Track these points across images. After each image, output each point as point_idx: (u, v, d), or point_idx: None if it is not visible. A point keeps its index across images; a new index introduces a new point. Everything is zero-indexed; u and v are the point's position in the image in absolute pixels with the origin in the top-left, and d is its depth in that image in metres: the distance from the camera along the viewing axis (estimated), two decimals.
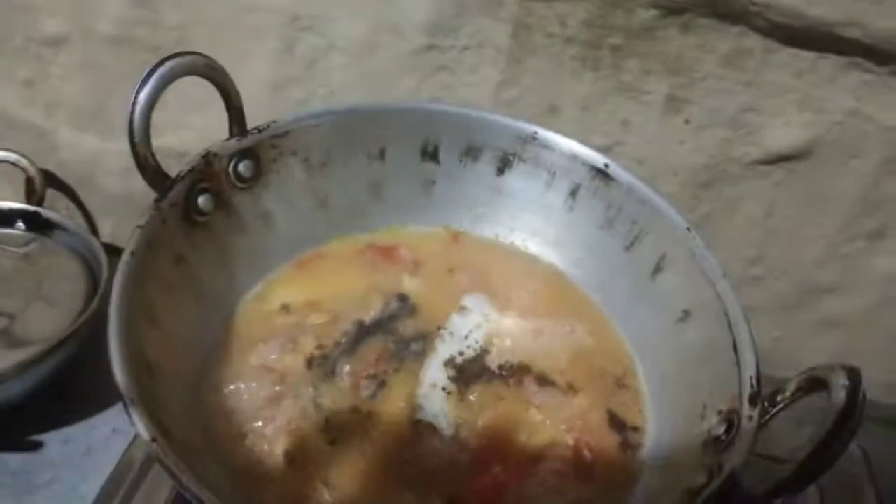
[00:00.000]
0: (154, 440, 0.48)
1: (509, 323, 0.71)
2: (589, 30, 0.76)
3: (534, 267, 0.78)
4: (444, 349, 0.68)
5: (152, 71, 0.60)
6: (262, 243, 0.72)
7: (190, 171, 0.65)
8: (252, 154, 0.70)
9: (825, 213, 0.82)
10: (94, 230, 1.05)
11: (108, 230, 1.06)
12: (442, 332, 0.70)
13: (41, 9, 0.89)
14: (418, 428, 0.63)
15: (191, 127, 0.91)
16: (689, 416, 0.59)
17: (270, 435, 0.61)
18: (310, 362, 0.66)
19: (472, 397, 0.65)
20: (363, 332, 0.69)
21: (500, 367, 0.68)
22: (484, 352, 0.69)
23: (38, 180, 0.95)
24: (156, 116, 0.60)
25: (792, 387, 0.51)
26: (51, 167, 1.01)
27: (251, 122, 0.70)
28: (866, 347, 0.89)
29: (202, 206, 0.66)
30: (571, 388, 0.67)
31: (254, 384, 0.64)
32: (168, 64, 0.60)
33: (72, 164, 1.01)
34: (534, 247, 0.78)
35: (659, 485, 0.59)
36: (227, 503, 0.47)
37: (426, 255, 0.77)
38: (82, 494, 0.75)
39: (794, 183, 0.81)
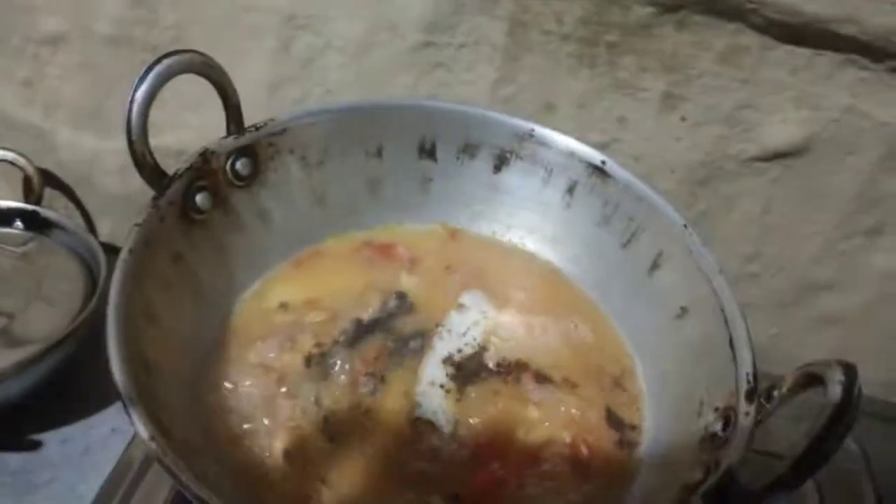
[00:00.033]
0: (153, 439, 0.48)
1: (507, 320, 0.71)
2: (585, 27, 0.76)
3: (531, 264, 0.78)
4: (443, 347, 0.68)
5: (149, 69, 0.60)
6: (260, 241, 0.72)
7: (187, 169, 0.65)
8: (249, 152, 0.70)
9: (822, 210, 0.82)
10: (92, 230, 1.06)
11: (107, 229, 1.06)
12: (440, 329, 0.70)
13: (39, 8, 0.89)
14: (417, 425, 0.63)
15: (188, 126, 0.91)
16: (687, 413, 0.60)
17: (269, 433, 0.61)
18: (308, 360, 0.66)
19: (470, 395, 0.65)
20: (361, 330, 0.69)
21: (498, 365, 0.68)
22: (482, 349, 0.69)
23: (36, 179, 0.95)
24: (153, 115, 0.60)
25: (788, 383, 0.51)
26: (49, 167, 1.01)
27: (249, 122, 0.70)
28: (864, 344, 0.89)
29: (200, 205, 0.66)
30: (569, 385, 0.67)
31: (252, 383, 0.64)
32: (165, 62, 0.60)
33: (70, 164, 1.01)
34: (531, 244, 0.78)
35: (656, 481, 0.59)
36: (226, 502, 0.47)
37: (423, 252, 0.77)
38: (81, 494, 0.75)
39: (791, 180, 0.81)
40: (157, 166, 0.62)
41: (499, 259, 0.78)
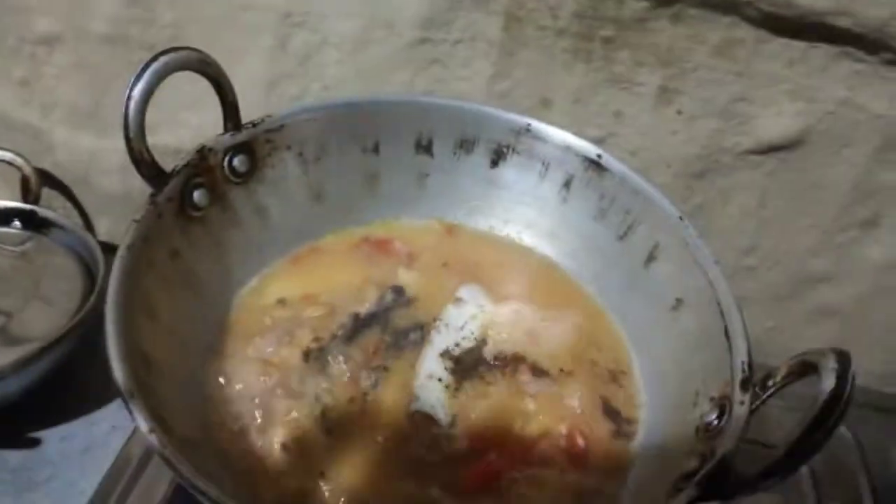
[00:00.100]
0: (153, 432, 0.48)
1: (504, 314, 0.71)
2: (580, 22, 0.77)
3: (528, 258, 0.78)
4: (440, 340, 0.69)
5: (146, 66, 0.60)
6: (258, 238, 0.72)
7: (185, 165, 0.65)
8: (247, 148, 0.70)
9: (818, 203, 0.82)
10: (90, 229, 1.06)
11: (105, 229, 1.06)
12: (438, 323, 0.70)
13: (34, 8, 0.89)
14: (415, 419, 0.63)
15: (186, 125, 0.91)
16: (682, 404, 0.60)
17: (268, 427, 0.61)
18: (306, 355, 0.66)
19: (468, 388, 0.66)
20: (359, 324, 0.69)
21: (496, 358, 0.68)
22: (479, 343, 0.69)
23: (33, 179, 0.95)
24: (151, 115, 0.60)
25: (783, 371, 0.51)
26: (46, 166, 1.01)
27: (246, 120, 0.70)
28: (860, 336, 0.90)
29: (197, 201, 0.66)
30: (566, 378, 0.67)
31: (251, 377, 0.64)
32: (162, 59, 0.60)
33: (67, 163, 1.01)
34: (528, 238, 0.79)
35: (652, 471, 0.60)
36: (225, 495, 0.47)
37: (421, 247, 0.77)
38: (81, 490, 0.75)
39: (787, 173, 0.81)
40: (154, 163, 0.62)
41: (496, 254, 0.78)
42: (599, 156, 0.72)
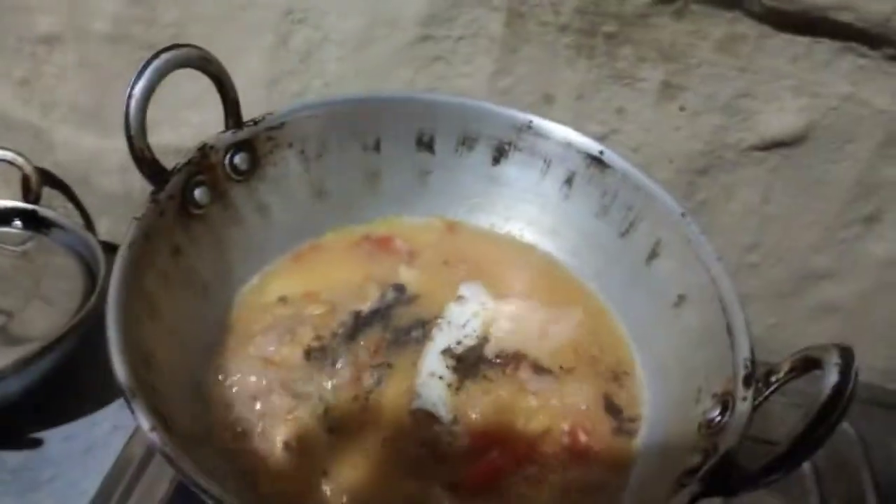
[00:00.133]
0: (154, 429, 0.48)
1: (506, 311, 0.71)
2: (582, 17, 0.76)
3: (530, 256, 0.78)
4: (442, 338, 0.68)
5: (147, 63, 0.60)
6: (259, 235, 0.72)
7: (186, 163, 0.65)
8: (248, 146, 0.70)
9: (821, 199, 0.82)
10: (90, 228, 1.06)
11: (105, 228, 1.06)
12: (439, 321, 0.70)
13: (35, 8, 0.89)
14: (417, 416, 0.63)
15: (188, 124, 0.91)
16: (685, 400, 0.60)
17: (270, 426, 0.61)
18: (308, 353, 0.66)
19: (469, 385, 0.65)
20: (361, 322, 0.69)
21: (497, 356, 0.68)
22: (481, 340, 0.69)
23: (34, 179, 0.95)
24: (152, 113, 0.60)
25: (786, 367, 0.51)
26: (47, 166, 1.01)
27: (247, 117, 0.69)
28: (863, 333, 0.89)
29: (199, 199, 0.66)
30: (568, 375, 0.67)
31: (252, 375, 0.64)
32: (163, 56, 0.60)
33: (68, 163, 1.01)
34: (530, 236, 0.78)
35: (655, 467, 0.59)
36: (227, 493, 0.47)
37: (422, 245, 0.77)
38: (83, 490, 0.75)
39: (790, 169, 0.81)
40: (155, 162, 0.62)
41: (497, 251, 0.78)
42: (601, 152, 0.72)
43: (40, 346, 0.77)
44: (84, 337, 0.81)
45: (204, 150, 0.67)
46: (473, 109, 0.75)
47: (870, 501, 0.78)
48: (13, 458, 0.79)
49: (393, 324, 0.69)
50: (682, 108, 0.79)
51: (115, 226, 1.05)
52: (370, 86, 0.85)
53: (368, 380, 0.65)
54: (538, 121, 0.74)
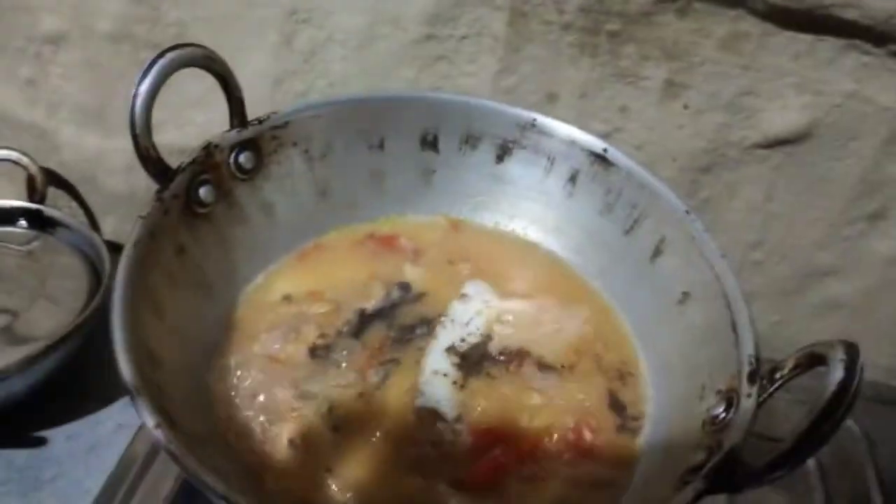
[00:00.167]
0: (159, 427, 0.48)
1: (510, 309, 0.71)
2: (586, 16, 0.76)
3: (534, 254, 0.78)
4: (446, 336, 0.68)
5: (152, 63, 0.60)
6: (264, 234, 0.72)
7: (191, 162, 0.65)
8: (253, 145, 0.70)
9: (825, 196, 0.82)
10: (96, 228, 1.06)
11: (110, 228, 1.06)
12: (443, 319, 0.70)
13: (40, 8, 0.89)
14: (421, 414, 0.63)
15: (193, 123, 0.92)
16: (689, 397, 0.60)
17: (274, 424, 0.61)
18: (312, 351, 0.66)
19: (474, 383, 0.65)
20: (365, 320, 0.69)
21: (501, 353, 0.68)
22: (485, 338, 0.69)
23: (39, 179, 0.96)
24: (157, 113, 0.60)
25: (791, 363, 0.51)
26: (52, 166, 1.01)
27: (252, 116, 0.70)
28: (867, 330, 0.89)
29: (203, 198, 0.66)
30: (572, 372, 0.67)
31: (257, 374, 0.64)
32: (168, 56, 0.60)
33: (73, 163, 1.01)
34: (534, 234, 0.78)
35: (659, 464, 0.59)
36: (232, 490, 0.47)
37: (426, 244, 0.77)
38: (87, 489, 0.75)
39: (794, 166, 0.81)
40: (160, 161, 0.62)
41: (501, 249, 0.78)
42: (605, 150, 0.72)
43: (45, 346, 0.77)
44: (89, 336, 0.81)
45: (209, 149, 0.67)
46: (477, 108, 0.76)
47: (874, 498, 0.78)
48: (17, 456, 0.79)
49: (397, 322, 0.69)
50: (685, 107, 0.79)
51: (120, 225, 1.06)
52: (374, 85, 0.85)
53: (373, 378, 0.65)
54: (542, 119, 0.74)
